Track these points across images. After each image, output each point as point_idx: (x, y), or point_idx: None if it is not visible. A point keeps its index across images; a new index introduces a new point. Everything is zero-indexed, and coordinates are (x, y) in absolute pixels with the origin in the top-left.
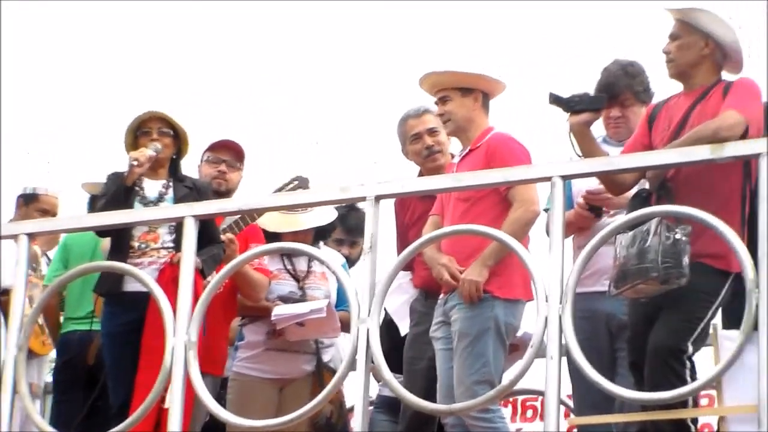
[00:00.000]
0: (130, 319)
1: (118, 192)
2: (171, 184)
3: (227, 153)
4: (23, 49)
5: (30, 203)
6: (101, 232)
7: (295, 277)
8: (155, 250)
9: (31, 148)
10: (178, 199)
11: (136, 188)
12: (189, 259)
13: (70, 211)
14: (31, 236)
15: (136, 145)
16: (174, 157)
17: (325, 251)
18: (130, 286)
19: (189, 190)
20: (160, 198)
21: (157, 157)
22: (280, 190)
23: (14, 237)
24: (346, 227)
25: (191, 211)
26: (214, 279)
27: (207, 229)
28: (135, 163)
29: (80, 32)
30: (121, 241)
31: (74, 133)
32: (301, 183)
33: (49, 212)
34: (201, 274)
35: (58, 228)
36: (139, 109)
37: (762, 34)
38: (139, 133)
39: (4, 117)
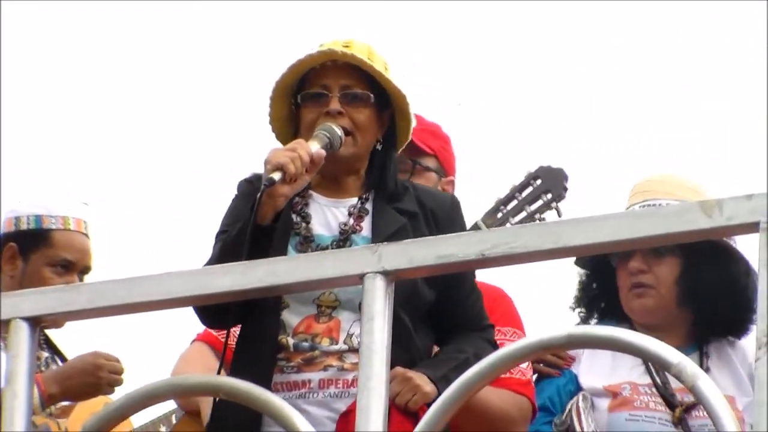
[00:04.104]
0: None
1: (243, 235)
2: (370, 206)
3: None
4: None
5: (32, 249)
6: (209, 313)
7: (671, 403)
8: (334, 355)
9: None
10: (382, 238)
11: (295, 220)
12: (377, 377)
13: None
14: (37, 322)
15: (295, 127)
16: (378, 146)
17: None
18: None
19: (409, 218)
20: (345, 237)
21: (339, 155)
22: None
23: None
24: None
25: (377, 262)
26: (427, 415)
27: (454, 298)
28: (276, 177)
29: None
30: (255, 334)
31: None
32: (549, 186)
33: (75, 266)
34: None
35: (104, 304)
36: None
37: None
38: (302, 98)
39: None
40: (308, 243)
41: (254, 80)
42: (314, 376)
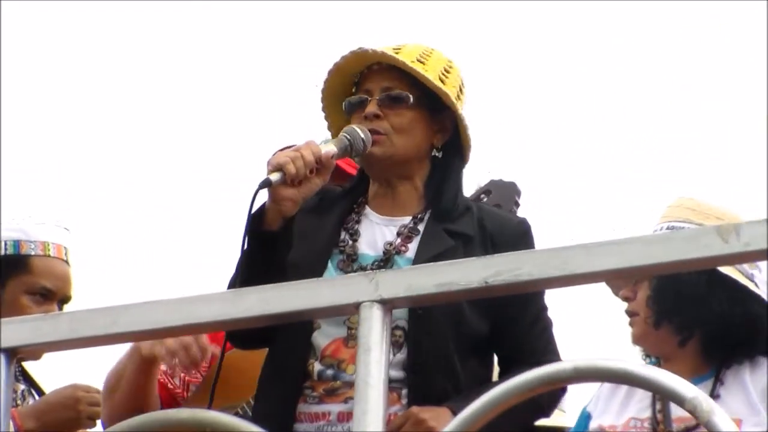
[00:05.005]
0: None
1: (250, 250)
2: (422, 226)
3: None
4: None
5: (10, 275)
6: (236, 334)
7: None
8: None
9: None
10: (423, 260)
11: (343, 237)
12: (373, 412)
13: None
14: (14, 354)
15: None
16: (436, 153)
17: None
18: None
19: (463, 242)
20: (387, 258)
21: (372, 156)
22: None
23: None
24: None
25: (373, 291)
26: None
27: (515, 330)
28: (274, 178)
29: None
30: (282, 360)
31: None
32: (500, 200)
33: (54, 295)
34: None
35: (86, 334)
36: None
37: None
38: (345, 106)
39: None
40: (351, 262)
41: (249, 88)
42: (334, 408)
